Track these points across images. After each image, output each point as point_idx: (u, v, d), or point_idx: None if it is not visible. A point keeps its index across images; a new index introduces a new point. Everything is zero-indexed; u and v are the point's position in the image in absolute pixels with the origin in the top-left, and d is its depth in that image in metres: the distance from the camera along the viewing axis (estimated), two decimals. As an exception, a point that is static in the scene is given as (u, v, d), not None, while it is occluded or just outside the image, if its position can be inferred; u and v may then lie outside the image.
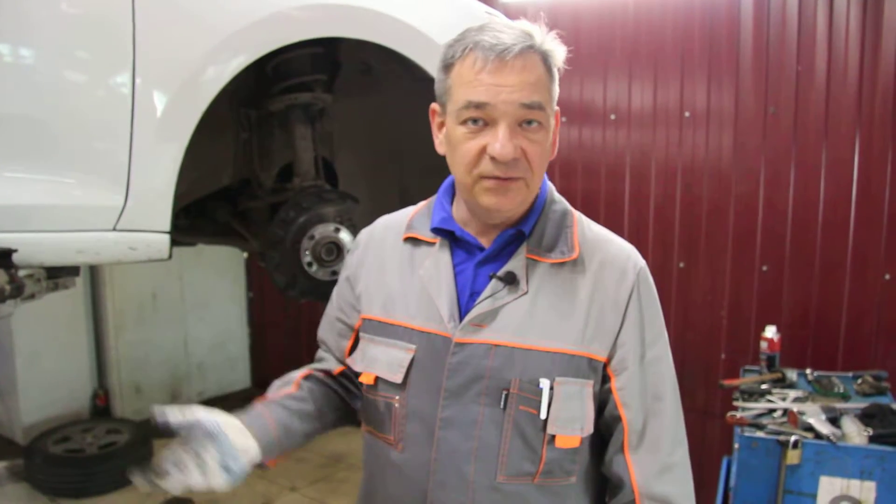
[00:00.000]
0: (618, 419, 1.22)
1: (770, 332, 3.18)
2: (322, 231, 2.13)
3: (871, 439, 2.40)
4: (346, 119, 2.49)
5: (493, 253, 1.23)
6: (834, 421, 2.53)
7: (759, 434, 2.51)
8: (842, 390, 2.87)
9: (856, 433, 2.43)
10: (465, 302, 1.23)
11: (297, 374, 1.40)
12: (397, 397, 1.24)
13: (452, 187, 1.30)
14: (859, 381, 2.97)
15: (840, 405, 2.68)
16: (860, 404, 2.69)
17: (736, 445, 2.53)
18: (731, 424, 2.64)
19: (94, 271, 5.06)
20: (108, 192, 1.60)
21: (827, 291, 3.46)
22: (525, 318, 1.19)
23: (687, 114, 3.72)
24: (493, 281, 1.20)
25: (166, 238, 1.68)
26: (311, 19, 1.88)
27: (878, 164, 3.31)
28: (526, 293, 1.20)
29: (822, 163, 3.42)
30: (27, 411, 4.67)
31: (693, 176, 3.75)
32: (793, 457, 2.40)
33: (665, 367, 1.25)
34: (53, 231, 1.56)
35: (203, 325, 5.64)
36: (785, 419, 2.58)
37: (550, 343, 1.18)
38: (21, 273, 1.51)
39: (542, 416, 1.17)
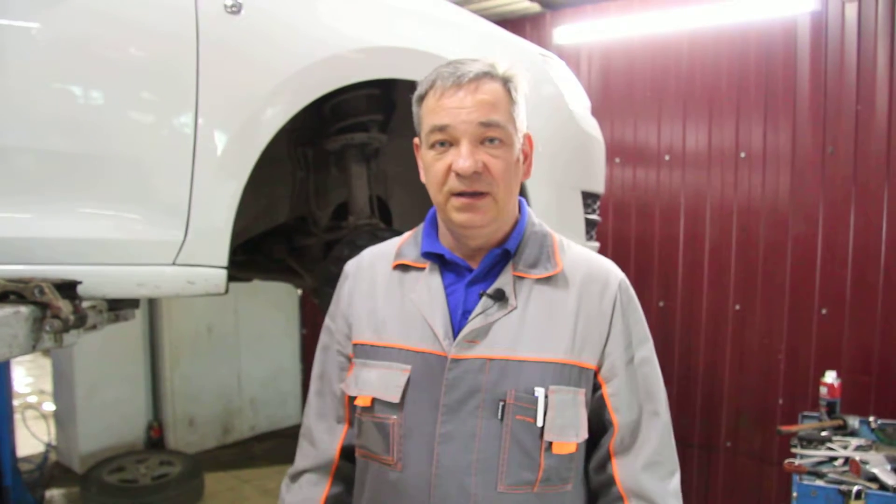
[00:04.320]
0: (610, 424, 1.28)
1: (830, 377, 3.08)
2: None
3: (941, 492, 2.29)
4: (400, 158, 2.52)
5: (481, 273, 1.29)
6: (900, 471, 2.43)
7: (819, 483, 2.42)
8: (908, 440, 2.76)
9: (924, 485, 2.32)
10: (457, 321, 1.27)
11: None
12: (394, 417, 1.26)
13: (436, 217, 1.36)
14: (927, 430, 2.85)
15: (906, 455, 2.57)
16: (928, 455, 2.57)
17: (794, 494, 2.44)
18: (789, 472, 2.55)
19: (152, 304, 5.19)
20: (168, 228, 1.65)
21: (891, 335, 3.35)
22: (516, 331, 1.24)
23: (743, 154, 3.68)
24: (484, 298, 1.25)
25: (224, 273, 1.72)
26: (368, 61, 1.93)
27: (944, 205, 3.22)
28: (515, 308, 1.25)
29: (883, 203, 3.33)
30: (85, 440, 4.81)
31: (749, 217, 3.70)
32: (856, 508, 2.31)
33: (651, 370, 1.31)
34: (116, 264, 1.62)
35: (256, 360, 5.72)
36: (847, 468, 2.48)
37: (542, 354, 1.23)
38: (84, 304, 1.56)
39: (539, 423, 1.21)
